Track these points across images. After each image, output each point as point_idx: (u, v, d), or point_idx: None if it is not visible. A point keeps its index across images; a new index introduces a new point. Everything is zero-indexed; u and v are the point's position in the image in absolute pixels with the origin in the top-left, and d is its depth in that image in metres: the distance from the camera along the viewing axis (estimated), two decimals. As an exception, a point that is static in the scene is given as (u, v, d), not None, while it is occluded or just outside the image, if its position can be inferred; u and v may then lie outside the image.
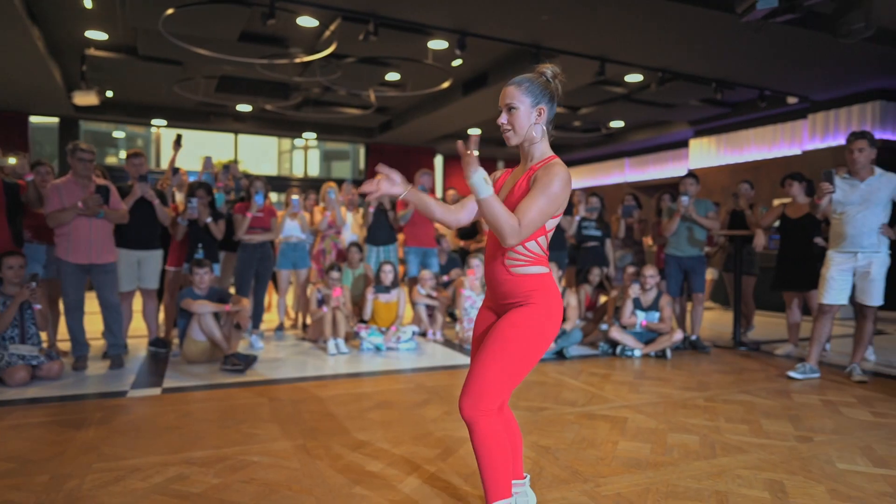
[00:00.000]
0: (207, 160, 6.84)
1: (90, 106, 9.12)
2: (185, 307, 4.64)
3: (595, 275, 6.11)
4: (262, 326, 6.41)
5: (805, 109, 9.77)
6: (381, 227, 6.50)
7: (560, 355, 5.14)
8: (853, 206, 4.22)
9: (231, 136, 13.15)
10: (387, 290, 5.64)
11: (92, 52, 8.02)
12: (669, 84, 8.58)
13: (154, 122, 12.02)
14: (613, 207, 9.68)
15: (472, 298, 5.70)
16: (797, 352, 5.34)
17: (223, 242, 5.54)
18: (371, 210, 6.46)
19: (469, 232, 7.62)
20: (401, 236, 6.79)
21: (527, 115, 1.78)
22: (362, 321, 5.69)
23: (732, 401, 3.75)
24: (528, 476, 2.13)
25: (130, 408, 3.51)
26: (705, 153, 11.95)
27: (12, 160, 4.54)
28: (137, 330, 5.97)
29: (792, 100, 9.28)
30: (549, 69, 1.82)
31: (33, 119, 11.39)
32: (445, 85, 8.62)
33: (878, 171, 4.25)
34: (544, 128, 1.81)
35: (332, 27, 6.90)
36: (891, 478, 2.54)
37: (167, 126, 12.25)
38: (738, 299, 5.70)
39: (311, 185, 11.49)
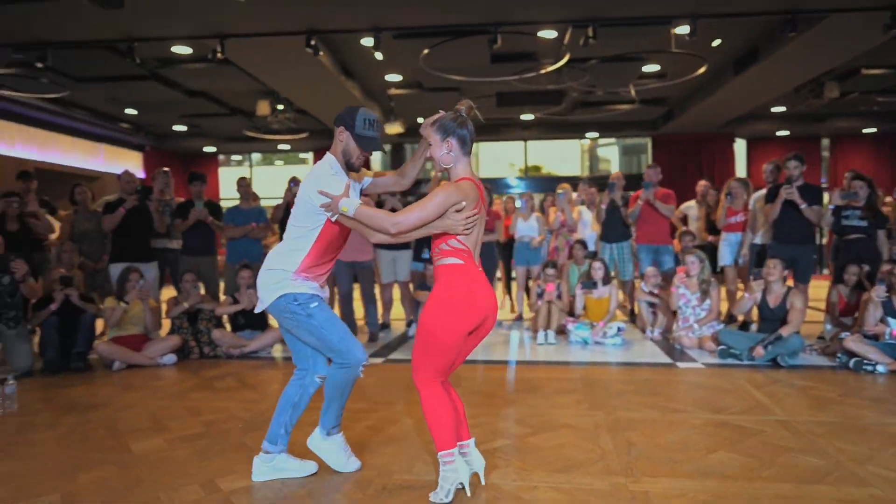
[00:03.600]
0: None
1: (397, 133, 11.29)
2: (417, 298, 5.73)
3: (851, 273, 5.12)
4: (501, 316, 7.21)
5: None
6: (614, 225, 6.61)
7: (775, 363, 4.58)
8: None
9: (520, 143, 14.38)
10: (593, 285, 5.80)
11: (392, 91, 10.02)
12: None
13: (457, 138, 14.00)
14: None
15: (686, 297, 5.45)
16: None
17: None
18: (604, 207, 6.65)
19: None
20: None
21: (438, 148, 2.14)
22: (576, 316, 5.98)
23: (946, 434, 2.98)
24: (473, 439, 2.41)
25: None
26: None
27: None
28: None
29: None
30: (463, 107, 2.20)
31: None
32: (701, 70, 8.05)
33: None
34: (456, 155, 2.16)
35: (568, 35, 7.28)
36: None
37: (467, 141, 14.14)
38: None
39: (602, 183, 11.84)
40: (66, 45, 7.14)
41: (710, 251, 6.86)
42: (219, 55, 6.91)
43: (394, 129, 10.76)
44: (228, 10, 6.26)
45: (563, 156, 17.58)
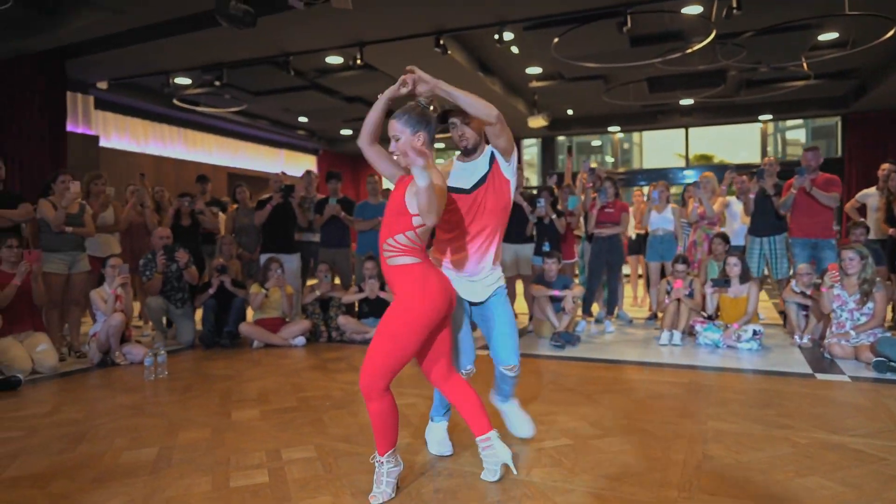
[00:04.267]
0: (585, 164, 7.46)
1: (541, 126, 11.13)
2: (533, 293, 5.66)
3: None
4: (635, 314, 6.83)
5: None
6: (765, 217, 5.93)
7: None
8: None
9: (681, 131, 13.36)
10: (726, 282, 5.24)
11: (533, 83, 9.92)
12: None
13: (610, 128, 13.43)
14: None
15: (842, 299, 4.69)
16: None
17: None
18: (752, 196, 5.98)
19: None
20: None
21: (407, 142, 2.16)
22: (709, 317, 5.45)
23: None
24: (495, 430, 2.37)
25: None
26: None
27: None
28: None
29: None
30: (422, 99, 2.22)
31: (526, 141, 14.47)
32: (890, 34, 6.78)
33: None
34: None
35: (714, 8, 6.63)
36: None
37: (620, 131, 13.48)
38: None
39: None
40: (237, 63, 8.19)
41: (893, 246, 5.85)
42: (358, 61, 7.44)
43: (537, 122, 10.65)
44: (364, 19, 6.70)
45: (737, 142, 15.99)
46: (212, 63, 8.13)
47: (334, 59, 8.65)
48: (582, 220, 6.69)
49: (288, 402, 3.56)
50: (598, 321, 6.25)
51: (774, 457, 2.60)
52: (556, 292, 5.45)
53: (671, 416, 3.18)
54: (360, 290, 5.81)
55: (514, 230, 6.19)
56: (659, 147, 16.96)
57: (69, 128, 8.80)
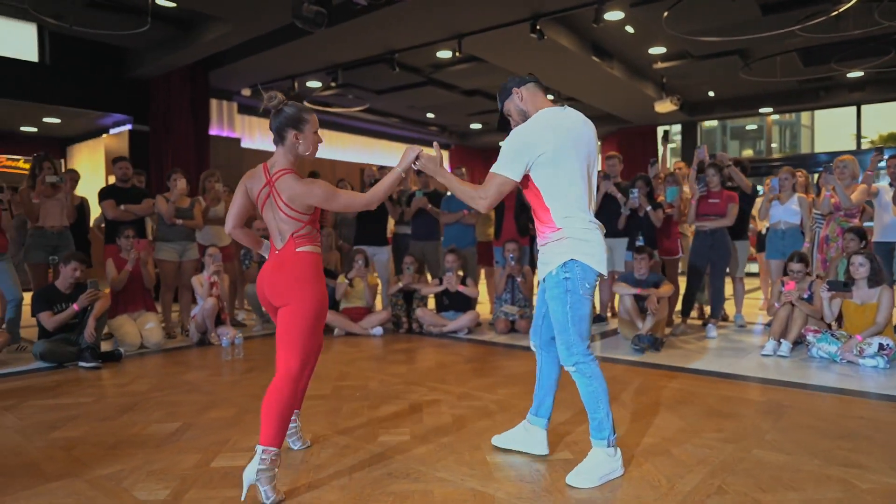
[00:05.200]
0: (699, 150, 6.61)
1: (670, 111, 10.21)
2: (615, 290, 5.23)
3: None
4: (750, 318, 6.03)
5: None
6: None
7: None
8: None
9: (851, 109, 11.48)
10: (844, 286, 4.38)
11: (659, 65, 9.14)
12: None
13: (762, 110, 11.96)
14: None
15: None
16: None
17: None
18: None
19: None
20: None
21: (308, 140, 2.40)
22: (829, 326, 4.62)
23: None
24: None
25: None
26: None
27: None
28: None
29: None
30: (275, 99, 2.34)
31: (661, 128, 13.43)
32: None
33: None
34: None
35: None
36: None
37: (773, 112, 11.94)
38: None
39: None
40: (351, 64, 8.58)
41: None
42: (457, 54, 7.40)
43: (665, 106, 9.80)
44: (460, 10, 6.66)
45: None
46: (329, 65, 8.61)
47: (444, 54, 8.71)
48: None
49: (323, 390, 3.65)
50: (704, 325, 5.61)
51: (809, 500, 2.12)
52: (638, 291, 4.98)
53: (713, 439, 2.74)
54: (441, 283, 5.80)
55: (606, 223, 5.78)
56: (834, 128, 14.86)
57: (214, 131, 9.88)
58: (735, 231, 5.63)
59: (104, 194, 5.53)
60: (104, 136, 10.11)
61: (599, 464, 2.30)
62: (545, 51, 7.76)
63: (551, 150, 2.26)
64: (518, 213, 5.88)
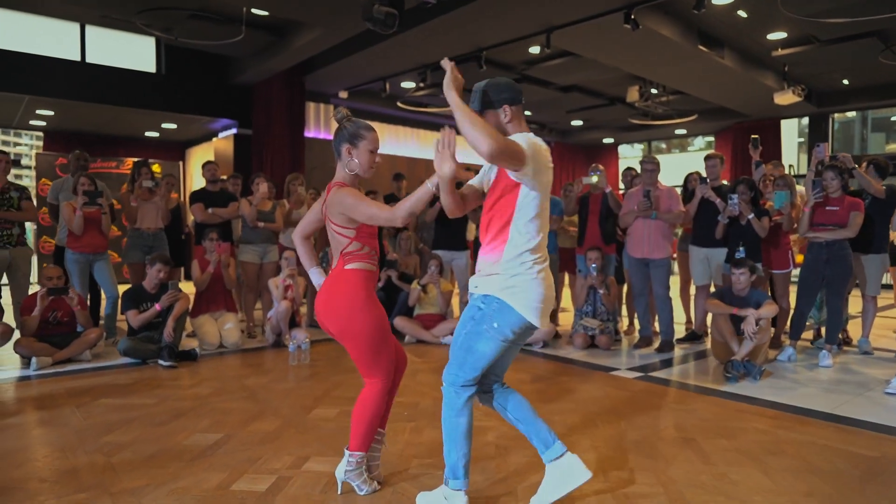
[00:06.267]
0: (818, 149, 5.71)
1: (793, 103, 9.11)
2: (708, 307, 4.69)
3: None
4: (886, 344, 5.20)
5: None
6: None
7: None
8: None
9: None
10: None
11: (779, 52, 8.18)
12: None
13: (906, 99, 10.41)
14: None
15: None
16: None
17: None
18: None
19: None
20: None
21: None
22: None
23: None
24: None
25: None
26: None
27: (594, 178, 5.68)
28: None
29: None
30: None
31: (784, 122, 12.11)
32: None
33: None
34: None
35: None
36: None
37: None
38: None
39: None
40: (437, 64, 8.44)
41: None
42: (547, 49, 7.03)
43: (786, 97, 8.78)
44: (546, 2, 6.30)
45: None
46: (418, 66, 8.54)
47: (535, 49, 8.34)
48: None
49: (373, 406, 3.52)
50: (818, 348, 4.90)
51: None
52: (734, 310, 4.40)
53: (761, 486, 2.27)
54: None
55: (703, 231, 5.23)
56: None
57: (312, 134, 10.18)
58: (863, 244, 4.85)
59: (194, 198, 5.79)
60: (214, 139, 10.76)
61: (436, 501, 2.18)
62: (644, 41, 7.18)
63: (544, 179, 2.12)
64: (603, 220, 5.46)
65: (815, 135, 11.64)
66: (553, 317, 5.71)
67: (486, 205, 2.20)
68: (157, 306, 4.74)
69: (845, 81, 10.13)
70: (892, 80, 9.87)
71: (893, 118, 14.11)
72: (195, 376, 4.26)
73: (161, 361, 4.53)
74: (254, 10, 7.04)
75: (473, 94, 2.14)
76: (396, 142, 12.33)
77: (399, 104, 10.47)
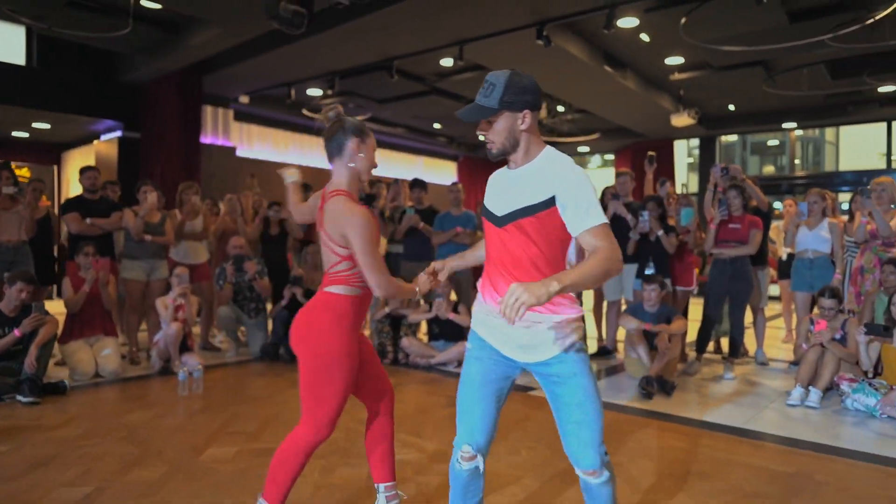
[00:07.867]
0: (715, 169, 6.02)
1: (687, 125, 9.66)
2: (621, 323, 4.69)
3: None
4: (773, 355, 5.46)
5: None
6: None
7: None
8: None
9: (881, 125, 10.84)
10: (885, 330, 3.81)
11: (676, 76, 8.61)
12: None
13: (785, 125, 11.36)
14: None
15: None
16: None
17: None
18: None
19: None
20: None
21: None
22: (865, 373, 4.04)
23: None
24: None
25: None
26: None
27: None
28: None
29: None
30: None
31: (677, 143, 12.83)
32: None
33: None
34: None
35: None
36: None
37: (798, 127, 11.33)
38: None
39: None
40: (348, 71, 8.15)
41: None
42: (460, 62, 6.94)
43: (682, 120, 9.27)
44: (461, 15, 6.20)
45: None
46: (326, 72, 8.19)
47: (447, 62, 8.26)
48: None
49: (270, 442, 3.15)
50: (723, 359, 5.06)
51: None
52: (647, 326, 4.43)
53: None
54: (431, 309, 5.30)
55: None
56: (859, 145, 14.22)
57: (209, 140, 9.49)
58: (755, 258, 5.07)
59: (68, 207, 5.12)
60: (95, 142, 9.78)
61: None
62: (553, 59, 7.27)
63: None
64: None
65: (706, 155, 12.41)
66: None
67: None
68: (17, 332, 4.07)
69: (731, 107, 10.88)
70: (771, 107, 10.71)
71: (769, 142, 15.42)
72: (62, 414, 3.67)
73: (20, 397, 3.88)
74: (143, 3, 6.43)
75: (487, 86, 1.68)
76: (301, 151, 11.82)
77: (304, 112, 10.02)
